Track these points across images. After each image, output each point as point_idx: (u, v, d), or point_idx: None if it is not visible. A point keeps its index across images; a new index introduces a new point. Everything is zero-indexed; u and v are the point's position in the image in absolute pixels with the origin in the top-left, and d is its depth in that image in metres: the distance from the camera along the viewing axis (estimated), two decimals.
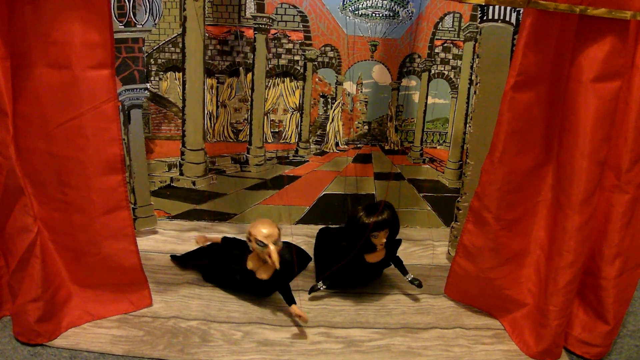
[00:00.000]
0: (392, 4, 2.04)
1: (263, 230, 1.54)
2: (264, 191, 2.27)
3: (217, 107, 2.17)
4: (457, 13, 2.10)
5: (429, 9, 2.08)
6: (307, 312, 1.58)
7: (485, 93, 1.79)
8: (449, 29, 2.13)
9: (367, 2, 2.03)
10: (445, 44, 2.15)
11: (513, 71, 1.33)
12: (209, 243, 1.86)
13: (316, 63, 2.15)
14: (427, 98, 2.21)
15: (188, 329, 1.56)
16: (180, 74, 2.09)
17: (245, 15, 2.05)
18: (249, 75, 2.13)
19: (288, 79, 2.17)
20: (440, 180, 2.30)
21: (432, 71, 2.18)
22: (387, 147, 2.28)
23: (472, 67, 2.13)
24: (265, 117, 2.21)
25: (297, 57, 2.13)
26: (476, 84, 1.82)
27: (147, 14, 1.90)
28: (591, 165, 1.33)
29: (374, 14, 2.05)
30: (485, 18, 1.79)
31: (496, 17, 1.76)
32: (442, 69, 2.18)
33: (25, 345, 1.46)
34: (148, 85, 2.03)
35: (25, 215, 1.40)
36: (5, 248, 1.47)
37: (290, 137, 2.26)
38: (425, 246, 2.16)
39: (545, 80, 1.37)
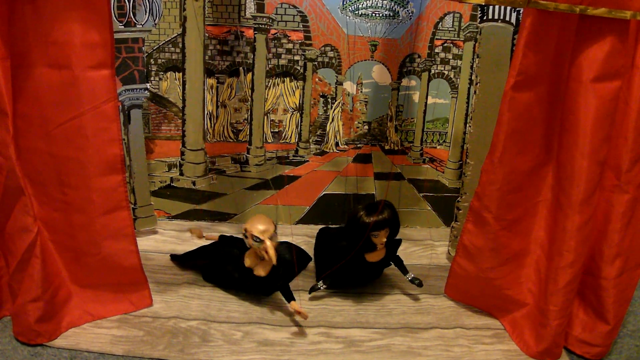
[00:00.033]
0: (392, 4, 2.04)
1: (259, 226, 1.54)
2: (263, 191, 2.27)
3: (217, 107, 2.17)
4: (457, 13, 2.10)
5: (429, 9, 2.07)
6: (307, 312, 1.58)
7: (485, 93, 1.79)
8: (449, 28, 2.12)
9: (367, 2, 2.03)
10: (445, 44, 2.15)
11: (513, 71, 1.33)
12: (209, 242, 1.86)
13: (316, 63, 2.15)
14: (427, 98, 2.21)
15: (188, 329, 1.56)
16: (180, 74, 2.09)
17: (245, 15, 2.04)
18: (249, 75, 2.13)
19: (288, 79, 2.17)
20: (440, 180, 2.30)
21: (432, 71, 2.18)
22: (387, 147, 2.28)
23: (472, 67, 2.12)
24: (265, 117, 2.21)
25: (297, 57, 2.13)
26: (476, 84, 1.82)
27: (147, 14, 1.90)
28: (591, 165, 1.33)
29: (374, 14, 2.05)
30: (485, 18, 1.79)
31: (496, 17, 1.76)
32: (442, 68, 2.18)
33: (25, 346, 1.46)
34: (148, 85, 2.03)
35: (25, 216, 1.40)
36: (5, 248, 1.47)
37: (290, 137, 2.26)
38: (425, 246, 2.16)
39: (545, 80, 1.37)
